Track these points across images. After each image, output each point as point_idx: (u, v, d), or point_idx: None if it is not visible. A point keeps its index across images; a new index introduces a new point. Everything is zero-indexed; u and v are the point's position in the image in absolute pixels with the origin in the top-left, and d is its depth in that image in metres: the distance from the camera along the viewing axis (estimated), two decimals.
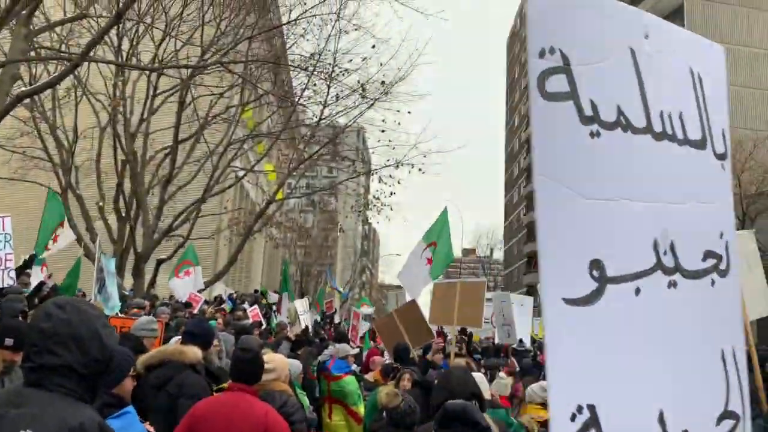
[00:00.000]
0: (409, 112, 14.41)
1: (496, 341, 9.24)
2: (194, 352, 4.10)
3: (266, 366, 4.08)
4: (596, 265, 1.58)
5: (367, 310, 17.85)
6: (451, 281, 8.05)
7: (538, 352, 10.60)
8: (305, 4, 13.09)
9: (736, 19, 39.33)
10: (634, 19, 1.80)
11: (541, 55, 1.60)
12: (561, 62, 1.61)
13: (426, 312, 8.59)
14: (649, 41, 1.80)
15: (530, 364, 8.72)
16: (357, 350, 7.67)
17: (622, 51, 1.74)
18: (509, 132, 72.89)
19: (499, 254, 78.16)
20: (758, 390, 4.58)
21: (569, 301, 1.51)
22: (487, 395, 4.36)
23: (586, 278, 1.56)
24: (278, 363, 4.30)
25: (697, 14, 39.37)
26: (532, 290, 56.79)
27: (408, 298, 10.25)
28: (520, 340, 11.00)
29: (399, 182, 15.33)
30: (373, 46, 12.74)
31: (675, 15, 40.55)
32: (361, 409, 6.06)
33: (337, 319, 16.53)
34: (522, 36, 65.45)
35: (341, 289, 19.50)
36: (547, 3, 1.69)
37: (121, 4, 8.91)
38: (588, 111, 1.64)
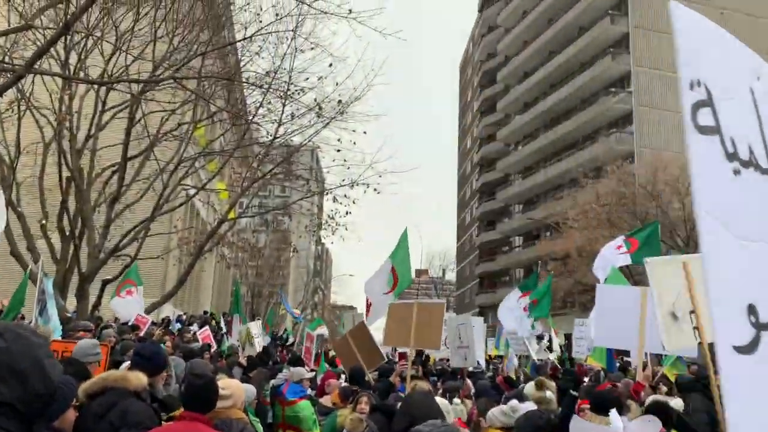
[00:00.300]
0: (364, 132, 14.38)
1: (452, 365, 9.16)
2: (138, 378, 3.84)
3: (222, 392, 3.89)
4: (752, 310, 1.51)
5: (321, 330, 17.58)
6: (408, 302, 7.95)
7: (496, 373, 10.65)
8: (261, 21, 12.98)
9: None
10: (751, 59, 1.84)
11: (691, 87, 1.60)
12: (705, 96, 1.62)
13: (378, 333, 8.49)
14: (761, 82, 1.82)
15: (486, 385, 8.69)
16: (312, 374, 7.46)
17: (744, 90, 1.76)
18: (462, 154, 73.88)
19: (451, 275, 78.66)
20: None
21: (738, 349, 1.46)
22: (450, 419, 4.27)
23: (746, 325, 1.50)
24: (234, 389, 4.10)
25: (641, 44, 40.97)
26: (484, 311, 57.37)
27: (367, 315, 10.17)
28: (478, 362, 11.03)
29: (354, 202, 15.25)
30: (330, 65, 12.70)
31: (621, 43, 42.15)
32: None
33: (290, 341, 16.21)
34: (474, 60, 66.78)
35: (296, 313, 19.18)
36: (694, 35, 1.74)
37: (69, 16, 8.61)
38: (730, 147, 1.62)
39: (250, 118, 14.62)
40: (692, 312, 4.49)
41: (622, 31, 41.68)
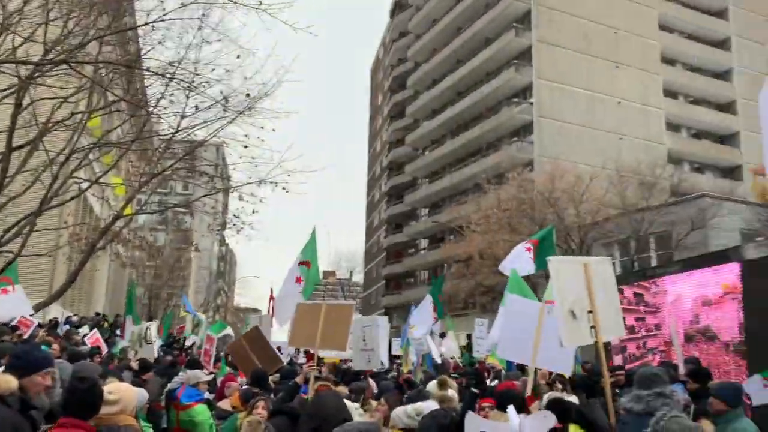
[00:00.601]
0: (273, 130, 14.06)
1: (355, 367, 9.07)
2: (6, 381, 3.48)
3: (110, 397, 3.62)
4: None
5: (227, 331, 16.98)
6: (316, 302, 7.80)
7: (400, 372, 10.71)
8: (164, 9, 12.39)
9: (577, 64, 43.26)
10: None
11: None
12: None
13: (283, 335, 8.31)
14: None
15: (389, 385, 8.69)
16: (210, 376, 7.14)
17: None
18: (372, 157, 74.33)
19: (358, 277, 78.92)
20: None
21: None
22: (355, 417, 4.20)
23: None
24: (124, 393, 3.82)
25: (543, 57, 42.82)
26: (389, 311, 57.86)
27: (277, 317, 9.94)
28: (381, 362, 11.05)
29: (261, 201, 14.86)
30: (238, 56, 12.28)
31: (524, 56, 43.86)
32: None
33: (188, 343, 15.57)
34: (385, 65, 67.40)
35: (199, 315, 18.44)
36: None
37: None
38: None
39: (151, 109, 13.91)
40: (590, 312, 4.67)
41: (525, 43, 43.38)
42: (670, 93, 46.90)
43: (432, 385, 5.50)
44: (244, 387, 7.14)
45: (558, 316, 4.74)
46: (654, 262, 28.16)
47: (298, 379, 5.84)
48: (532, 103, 42.29)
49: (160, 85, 14.09)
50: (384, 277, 60.29)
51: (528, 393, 5.56)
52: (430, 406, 4.57)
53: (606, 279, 5.01)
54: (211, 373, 8.35)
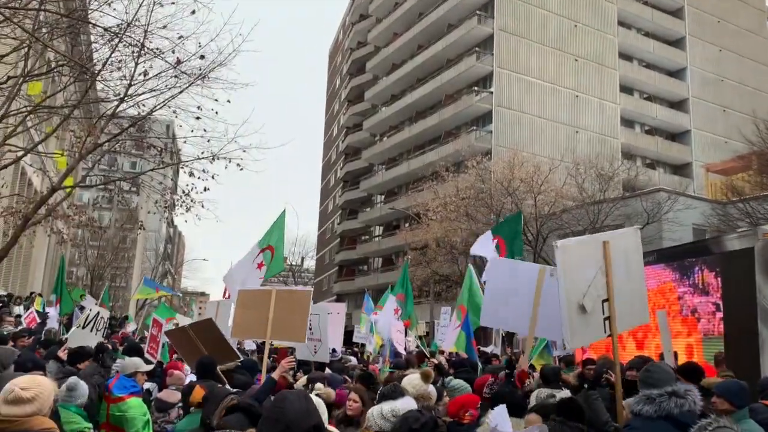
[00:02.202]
0: (228, 101, 13.17)
1: (298, 357, 8.39)
2: None
3: (24, 394, 2.88)
4: None
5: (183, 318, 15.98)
6: (264, 288, 7.06)
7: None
8: None
9: (536, 55, 43.27)
10: None
11: None
12: None
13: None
14: None
15: (337, 376, 8.11)
16: (149, 366, 6.31)
17: None
18: (327, 142, 73.25)
19: (310, 263, 77.92)
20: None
21: None
22: (325, 418, 3.59)
23: None
24: (41, 389, 3.04)
25: (504, 46, 42.62)
26: (341, 298, 57.24)
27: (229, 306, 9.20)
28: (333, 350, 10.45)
29: (213, 177, 13.96)
30: (194, 12, 11.30)
31: (485, 44, 43.59)
32: None
33: (131, 328, 14.58)
34: (344, 48, 66.28)
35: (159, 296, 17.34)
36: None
37: None
38: None
39: (97, 72, 12.82)
40: (605, 301, 4.07)
41: (487, 31, 43.08)
42: (626, 88, 47.49)
43: (413, 380, 4.84)
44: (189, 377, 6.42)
45: (562, 314, 4.09)
46: None
47: (275, 375, 5.13)
48: (492, 92, 42.10)
49: (107, 49, 13.03)
50: (337, 263, 59.59)
51: (525, 367, 5.09)
52: (407, 405, 3.96)
53: (630, 255, 4.37)
54: (158, 361, 7.56)
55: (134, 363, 5.44)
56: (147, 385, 5.85)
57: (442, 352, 11.73)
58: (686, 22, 50.42)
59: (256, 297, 6.65)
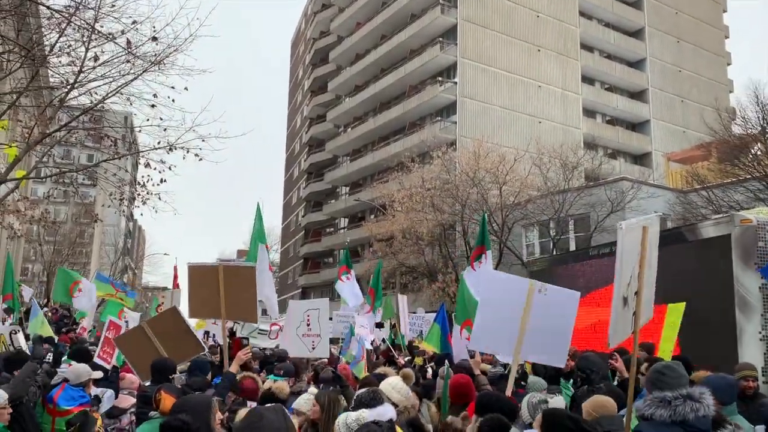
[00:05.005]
0: (186, 89, 12.61)
1: (291, 354, 8.04)
2: None
3: None
4: None
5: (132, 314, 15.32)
6: (209, 264, 6.66)
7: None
8: None
9: (500, 45, 43.28)
10: None
11: None
12: None
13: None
14: None
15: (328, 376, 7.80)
16: (99, 374, 5.80)
17: None
18: (291, 133, 72.32)
19: (275, 255, 77.05)
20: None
21: None
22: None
23: None
24: None
25: (468, 36, 42.49)
26: (306, 291, 56.71)
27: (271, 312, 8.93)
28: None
29: (170, 168, 13.40)
30: None
31: (449, 34, 43.40)
32: None
33: (85, 325, 13.90)
34: (307, 37, 65.36)
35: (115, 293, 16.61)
36: None
37: None
38: None
39: (46, 55, 12.11)
40: (636, 293, 3.74)
41: (451, 21, 42.87)
42: (588, 79, 47.91)
43: (391, 384, 4.42)
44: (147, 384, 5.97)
45: (612, 306, 3.72)
46: (573, 244, 28.52)
47: (233, 369, 4.76)
48: (456, 83, 41.96)
49: (56, 33, 12.32)
50: (302, 256, 58.96)
51: (508, 393, 4.69)
52: (383, 414, 3.59)
53: (654, 247, 4.01)
54: (113, 366, 7.04)
55: (80, 371, 4.96)
56: (96, 391, 5.39)
57: (416, 347, 11.38)
58: (645, 14, 51.07)
59: (205, 274, 6.31)
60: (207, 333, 10.42)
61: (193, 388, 4.97)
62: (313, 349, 7.57)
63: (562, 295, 5.40)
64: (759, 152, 22.35)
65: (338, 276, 14.47)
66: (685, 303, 7.14)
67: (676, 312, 7.22)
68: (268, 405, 3.41)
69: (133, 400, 5.53)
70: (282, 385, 5.43)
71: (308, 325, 7.22)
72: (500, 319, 4.99)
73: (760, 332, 7.02)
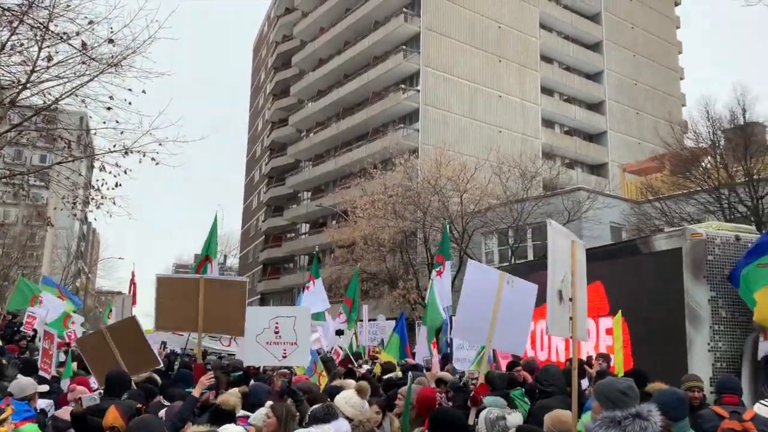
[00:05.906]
0: (143, 92, 12.34)
1: (247, 362, 7.84)
2: None
3: None
4: None
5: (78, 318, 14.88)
6: (188, 276, 6.54)
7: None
8: None
9: (462, 55, 43.73)
10: None
11: None
12: None
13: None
14: None
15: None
16: (45, 387, 5.60)
17: None
18: (252, 136, 71.60)
19: (233, 261, 76.04)
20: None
21: None
22: None
23: None
24: None
25: (431, 45, 42.82)
26: (266, 298, 56.10)
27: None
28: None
29: (126, 172, 13.10)
30: None
31: (412, 42, 43.68)
32: None
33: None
34: (269, 41, 64.92)
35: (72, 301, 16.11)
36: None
37: None
38: None
39: None
40: (571, 300, 3.87)
41: (414, 30, 43.14)
42: (547, 90, 48.78)
43: (345, 399, 4.38)
44: (97, 392, 5.79)
45: (547, 294, 3.91)
46: (531, 252, 28.95)
47: (195, 392, 4.64)
48: (418, 90, 42.21)
49: (7, 31, 11.93)
50: (261, 261, 58.35)
51: (481, 380, 4.82)
52: (339, 428, 3.57)
53: (583, 267, 4.23)
54: (53, 377, 6.79)
55: (26, 385, 4.78)
56: (42, 404, 5.19)
57: (375, 358, 11.33)
58: (603, 28, 52.33)
59: (180, 286, 6.22)
60: (164, 343, 10.20)
61: (172, 399, 4.87)
62: (284, 357, 7.32)
63: (526, 287, 5.94)
64: (709, 165, 23.08)
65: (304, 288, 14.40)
66: (620, 312, 7.42)
67: (617, 323, 7.42)
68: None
69: None
70: (226, 398, 5.28)
71: (276, 332, 7.03)
72: (477, 308, 5.29)
73: (708, 344, 7.22)
